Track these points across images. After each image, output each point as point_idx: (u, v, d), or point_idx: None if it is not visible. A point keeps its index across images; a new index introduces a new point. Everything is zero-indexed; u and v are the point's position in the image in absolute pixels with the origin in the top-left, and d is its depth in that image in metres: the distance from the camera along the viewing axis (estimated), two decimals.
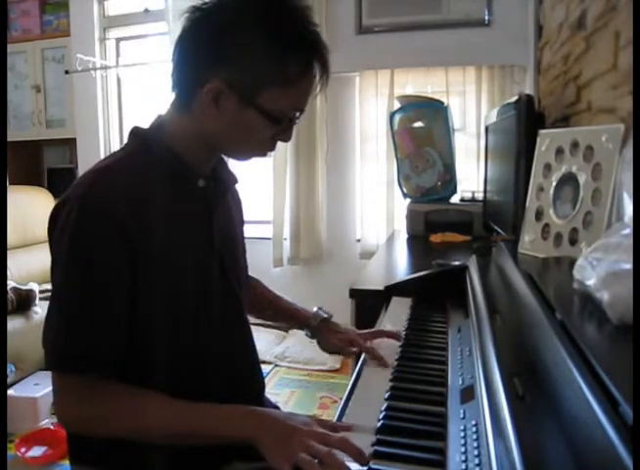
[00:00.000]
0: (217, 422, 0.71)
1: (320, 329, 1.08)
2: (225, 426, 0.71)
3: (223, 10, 0.77)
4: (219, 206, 0.90)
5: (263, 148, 0.86)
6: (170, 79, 0.82)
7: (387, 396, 0.80)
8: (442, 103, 2.41)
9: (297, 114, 0.82)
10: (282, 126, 0.82)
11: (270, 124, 0.80)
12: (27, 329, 2.37)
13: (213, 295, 0.86)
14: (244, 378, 0.92)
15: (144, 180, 0.79)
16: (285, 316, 1.12)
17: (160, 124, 0.85)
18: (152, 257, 0.77)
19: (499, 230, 1.68)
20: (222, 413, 0.73)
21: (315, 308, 1.10)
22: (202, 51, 0.78)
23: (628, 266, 0.58)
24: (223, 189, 0.92)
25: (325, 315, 1.09)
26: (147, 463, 0.76)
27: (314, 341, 1.11)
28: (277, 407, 1.05)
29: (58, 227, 0.76)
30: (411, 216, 2.25)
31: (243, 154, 0.88)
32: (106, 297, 0.75)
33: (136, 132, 0.86)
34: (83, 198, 0.74)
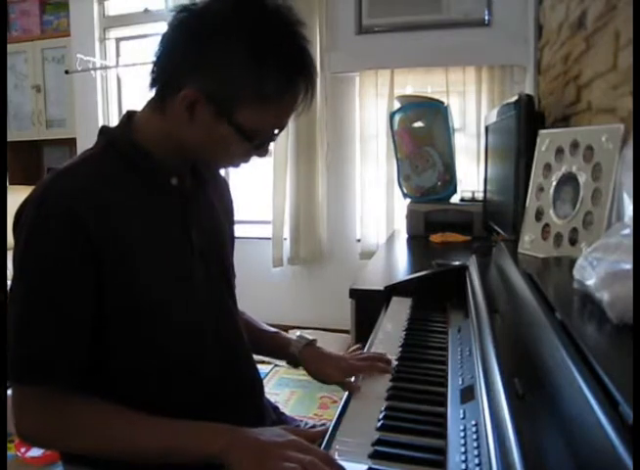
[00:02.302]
0: (184, 439, 0.68)
1: (306, 355, 0.97)
2: (194, 444, 0.67)
3: (210, 15, 0.73)
4: (198, 204, 0.86)
5: (236, 162, 0.83)
6: (150, 76, 0.78)
7: (387, 396, 0.80)
8: (442, 103, 2.41)
9: (276, 131, 0.79)
10: (258, 144, 0.78)
11: (244, 141, 0.76)
12: None
13: (198, 297, 0.83)
14: (241, 379, 0.91)
15: (109, 180, 0.76)
16: (264, 342, 1.01)
17: (130, 122, 0.81)
18: (121, 259, 0.73)
19: (499, 230, 1.68)
20: (190, 429, 0.69)
21: (298, 333, 1.01)
22: (182, 54, 0.74)
23: (628, 266, 0.58)
24: (200, 185, 0.88)
25: (309, 338, 0.99)
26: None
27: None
28: (276, 408, 1.05)
29: (18, 229, 0.73)
30: (411, 216, 2.25)
31: (214, 164, 0.85)
32: (63, 302, 0.71)
33: (104, 131, 0.82)
34: (41, 199, 0.71)
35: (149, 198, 0.80)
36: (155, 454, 0.69)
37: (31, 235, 0.71)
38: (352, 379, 0.89)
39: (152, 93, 0.80)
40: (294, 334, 1.02)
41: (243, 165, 0.85)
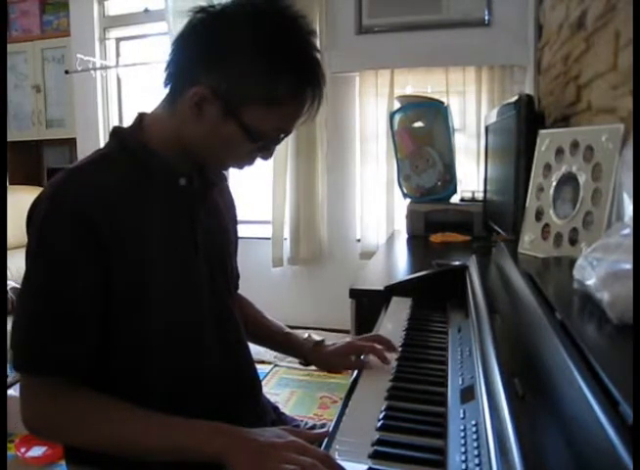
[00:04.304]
0: (183, 438, 0.68)
1: (315, 352, 1.01)
2: (191, 443, 0.67)
3: (227, 17, 0.75)
4: (204, 205, 0.87)
5: (240, 163, 0.84)
6: (164, 74, 0.80)
7: (386, 396, 0.80)
8: (442, 103, 2.41)
9: (282, 135, 0.81)
10: (262, 145, 0.80)
11: (249, 141, 0.77)
12: None
13: (200, 296, 0.84)
14: (241, 379, 0.91)
15: (119, 180, 0.77)
16: (275, 340, 1.06)
17: (142, 123, 0.83)
18: (127, 257, 0.75)
19: (499, 230, 1.68)
20: (191, 428, 0.69)
21: (306, 334, 1.05)
22: (196, 53, 0.76)
23: (628, 266, 0.58)
24: (208, 186, 0.89)
25: (318, 338, 1.03)
26: (144, 462, 0.74)
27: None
28: (276, 408, 1.05)
29: (30, 227, 0.75)
30: (411, 216, 2.25)
31: (217, 164, 0.86)
32: (72, 297, 0.73)
33: (116, 131, 0.84)
34: (52, 197, 0.73)
35: (157, 198, 0.81)
36: (155, 451, 0.69)
37: (42, 233, 0.73)
38: (352, 378, 0.89)
39: (155, 94, 0.82)
40: (303, 334, 1.06)
41: (246, 168, 0.86)
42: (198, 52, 0.76)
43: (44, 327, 0.73)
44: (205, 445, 0.67)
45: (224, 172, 0.97)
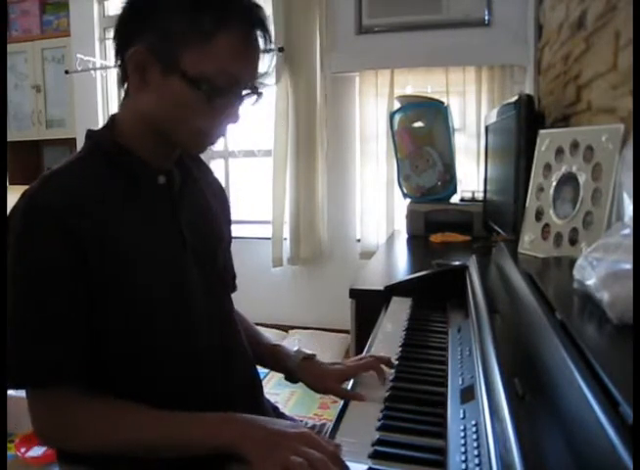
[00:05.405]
0: (195, 430, 0.68)
1: (305, 369, 0.95)
2: (204, 434, 0.67)
3: None
4: (188, 203, 0.86)
5: (207, 129, 0.78)
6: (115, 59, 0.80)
7: (387, 396, 0.80)
8: (442, 103, 2.41)
9: (241, 92, 0.77)
10: (211, 92, 0.73)
11: (195, 90, 0.73)
12: None
13: (194, 295, 0.83)
14: (241, 379, 0.91)
15: (96, 182, 0.77)
16: (262, 353, 1.00)
17: (112, 123, 0.83)
18: (112, 260, 0.74)
19: (499, 230, 1.68)
20: (199, 421, 0.69)
21: (296, 347, 0.99)
22: (126, 22, 0.77)
23: (628, 266, 0.58)
24: (190, 183, 0.87)
25: (307, 353, 0.97)
26: (138, 462, 0.73)
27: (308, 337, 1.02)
28: (276, 408, 1.05)
29: (8, 234, 0.73)
30: (411, 216, 2.25)
31: (188, 138, 0.79)
32: (56, 302, 0.71)
33: (89, 134, 0.84)
34: (29, 203, 0.72)
35: (137, 198, 0.80)
36: (168, 448, 0.70)
37: (20, 239, 0.71)
38: (350, 384, 0.88)
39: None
40: (292, 344, 1.01)
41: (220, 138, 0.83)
42: (127, 22, 0.77)
43: (32, 338, 0.71)
44: (215, 435, 0.67)
45: (210, 167, 0.94)
